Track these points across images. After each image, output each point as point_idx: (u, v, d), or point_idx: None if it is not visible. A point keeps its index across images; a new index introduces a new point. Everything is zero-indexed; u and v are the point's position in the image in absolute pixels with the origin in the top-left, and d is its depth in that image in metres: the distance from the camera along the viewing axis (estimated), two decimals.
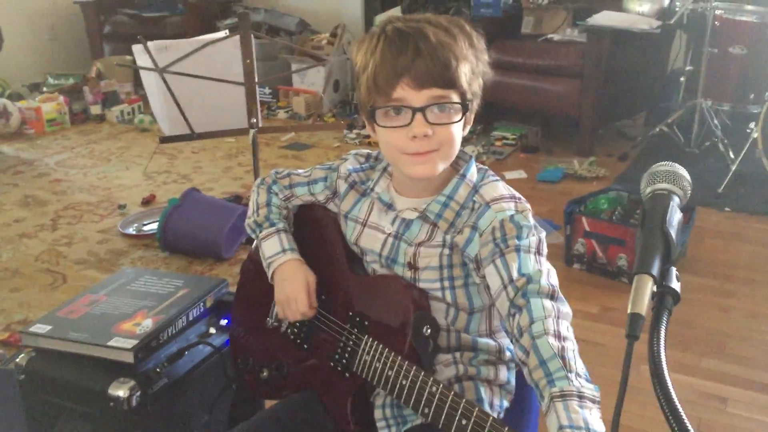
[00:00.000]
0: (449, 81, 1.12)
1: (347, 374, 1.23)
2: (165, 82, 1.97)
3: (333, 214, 1.39)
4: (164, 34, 5.64)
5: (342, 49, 4.74)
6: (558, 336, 1.00)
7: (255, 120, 2.05)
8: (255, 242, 1.42)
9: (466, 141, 4.40)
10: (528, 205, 1.21)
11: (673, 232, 0.81)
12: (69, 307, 1.59)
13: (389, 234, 1.26)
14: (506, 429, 0.98)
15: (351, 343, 1.23)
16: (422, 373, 1.10)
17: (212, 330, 1.62)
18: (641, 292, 0.77)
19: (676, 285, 0.80)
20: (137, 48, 2.11)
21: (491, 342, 1.26)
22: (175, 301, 1.61)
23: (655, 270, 0.78)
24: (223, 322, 1.65)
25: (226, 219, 2.99)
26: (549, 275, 1.10)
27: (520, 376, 1.27)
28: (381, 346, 1.17)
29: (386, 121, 1.15)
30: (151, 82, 2.14)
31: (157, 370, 1.47)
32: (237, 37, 1.94)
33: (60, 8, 5.94)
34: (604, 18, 4.12)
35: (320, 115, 4.98)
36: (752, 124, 3.52)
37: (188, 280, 1.71)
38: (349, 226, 1.33)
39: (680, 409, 0.68)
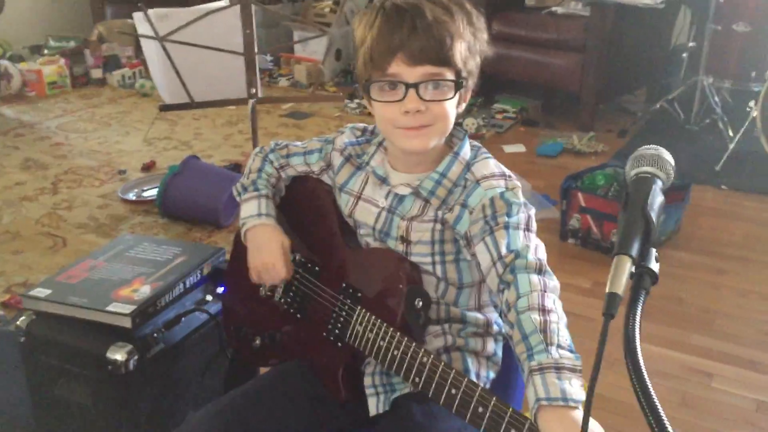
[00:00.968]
0: (443, 59, 1.13)
1: (340, 344, 1.27)
2: (165, 50, 1.98)
3: (328, 186, 1.41)
4: None
5: (344, 18, 4.71)
6: (542, 310, 1.03)
7: (255, 90, 2.07)
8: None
9: (467, 113, 4.38)
10: (518, 183, 1.23)
11: (654, 215, 0.83)
12: (69, 272, 1.62)
13: (383, 208, 1.28)
14: (494, 398, 1.01)
15: (344, 313, 1.27)
16: (414, 344, 1.13)
17: (209, 297, 1.65)
18: (620, 272, 0.79)
19: (654, 266, 0.82)
20: (138, 15, 2.11)
21: (479, 315, 1.29)
22: (173, 268, 1.64)
23: (635, 251, 0.81)
24: (220, 289, 1.68)
25: (225, 187, 3.00)
26: (537, 250, 1.13)
27: (507, 348, 1.31)
28: (374, 317, 1.20)
29: (381, 95, 1.18)
30: (151, 50, 2.15)
31: (154, 335, 1.51)
32: (237, 7, 1.95)
33: None
34: None
35: (321, 83, 4.97)
36: (752, 103, 3.52)
37: (186, 247, 1.74)
38: (343, 199, 1.35)
39: (650, 387, 0.71)
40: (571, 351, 0.99)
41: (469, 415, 1.02)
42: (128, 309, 1.47)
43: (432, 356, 1.10)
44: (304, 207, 1.45)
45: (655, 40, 4.47)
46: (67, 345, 1.50)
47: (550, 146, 3.96)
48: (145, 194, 3.38)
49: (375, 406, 1.24)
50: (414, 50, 1.12)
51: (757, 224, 3.18)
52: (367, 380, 1.27)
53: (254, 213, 1.39)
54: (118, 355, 1.43)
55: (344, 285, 1.29)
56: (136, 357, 1.44)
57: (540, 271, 1.10)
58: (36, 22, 5.76)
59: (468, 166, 1.25)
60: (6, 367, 1.87)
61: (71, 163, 3.81)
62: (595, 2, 4.06)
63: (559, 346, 0.99)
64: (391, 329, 1.17)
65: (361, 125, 1.40)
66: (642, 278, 0.81)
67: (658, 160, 0.89)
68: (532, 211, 1.20)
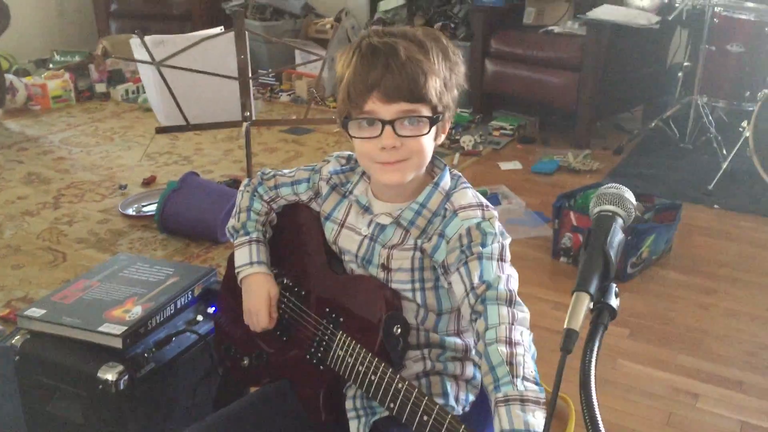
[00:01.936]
0: (418, 95, 1.18)
1: (321, 367, 1.31)
2: (161, 74, 2.03)
3: (316, 213, 1.45)
4: (170, 14, 5.69)
5: (345, 33, 4.77)
6: (509, 342, 1.07)
7: (249, 113, 2.12)
8: None
9: (464, 130, 4.40)
10: (495, 213, 1.27)
11: (612, 253, 0.88)
12: (63, 292, 1.67)
13: (365, 236, 1.33)
14: (462, 427, 1.05)
15: (326, 337, 1.31)
16: (390, 371, 1.18)
17: (200, 317, 1.70)
18: (578, 309, 0.83)
19: (614, 302, 0.86)
20: (134, 42, 2.16)
21: (458, 341, 1.33)
22: (165, 288, 1.68)
23: (593, 288, 0.84)
24: (211, 309, 1.73)
25: (223, 204, 3.05)
26: (509, 281, 1.17)
27: None
28: (354, 342, 1.25)
29: (359, 132, 1.22)
30: (147, 74, 2.19)
31: (145, 355, 1.55)
32: (232, 34, 2.00)
33: None
34: (605, 12, 4.15)
35: (322, 98, 5.02)
36: (744, 123, 3.56)
37: (178, 268, 1.79)
38: (328, 227, 1.40)
39: (600, 423, 0.74)
40: (536, 383, 1.04)
41: None
42: (119, 330, 1.51)
43: (407, 382, 1.14)
44: (294, 232, 1.49)
45: (651, 59, 4.51)
46: (60, 364, 1.54)
47: (546, 164, 4.00)
48: (144, 209, 3.43)
49: (356, 428, 1.28)
50: (388, 88, 1.16)
51: (749, 244, 3.21)
52: (349, 403, 1.31)
53: (246, 262, 1.44)
54: (108, 374, 1.47)
55: (327, 310, 1.33)
56: (126, 377, 1.49)
57: (510, 302, 1.14)
58: (41, 36, 5.84)
59: (448, 196, 1.29)
60: (3, 382, 1.91)
61: (73, 178, 3.86)
62: (591, 22, 4.11)
63: (524, 379, 1.03)
64: (369, 355, 1.21)
65: (346, 153, 1.44)
66: (601, 314, 0.85)
67: (619, 199, 0.93)
68: (507, 240, 1.24)
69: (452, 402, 1.31)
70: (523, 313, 1.15)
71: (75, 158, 4.15)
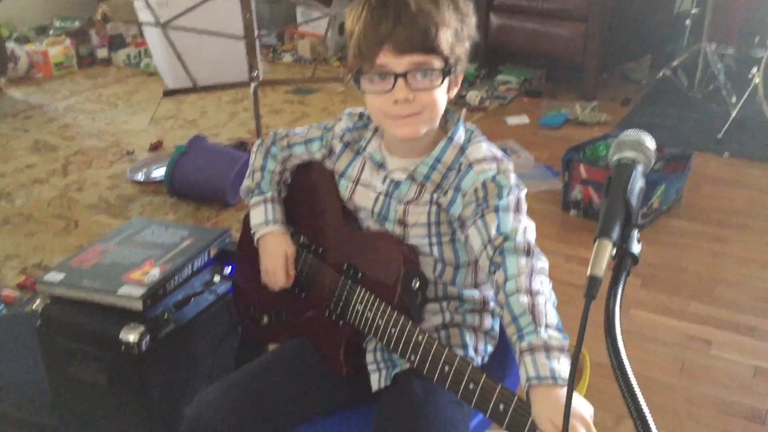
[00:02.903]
0: (429, 47, 1.17)
1: (341, 322, 1.32)
2: (167, 36, 2.01)
3: (330, 171, 1.45)
4: None
5: None
6: (529, 292, 1.08)
7: (256, 73, 2.10)
8: None
9: (470, 85, 4.37)
10: (510, 165, 1.27)
11: (633, 200, 0.87)
12: (81, 256, 1.68)
13: (380, 192, 1.33)
14: (483, 376, 1.07)
15: (345, 293, 1.32)
16: (410, 323, 1.19)
17: (216, 278, 1.71)
18: (601, 256, 0.83)
19: (635, 248, 0.86)
20: (138, 3, 2.14)
21: (476, 293, 1.34)
22: (181, 250, 1.69)
23: (615, 235, 0.84)
24: (227, 270, 1.74)
25: (231, 166, 3.05)
26: (526, 232, 1.17)
27: None
28: (373, 296, 1.26)
29: (371, 86, 1.21)
30: (153, 36, 2.17)
31: (165, 316, 1.57)
32: None
33: None
34: None
35: (325, 59, 4.98)
36: (754, 69, 3.52)
37: (193, 230, 1.79)
38: (342, 185, 1.40)
39: (628, 368, 0.75)
40: (559, 330, 1.05)
41: (460, 391, 1.08)
42: (139, 292, 1.52)
43: (427, 335, 1.15)
44: (309, 191, 1.49)
45: (658, 7, 4.45)
46: (81, 327, 1.56)
47: (553, 117, 3.98)
48: (153, 175, 3.43)
49: (377, 381, 1.30)
50: (399, 40, 1.15)
51: (759, 191, 3.20)
52: (369, 357, 1.32)
53: (262, 221, 1.44)
54: (131, 336, 1.49)
55: (346, 266, 1.34)
56: (148, 337, 1.50)
57: (528, 252, 1.14)
58: (40, 2, 5.77)
59: (462, 150, 1.29)
60: (24, 347, 1.94)
61: (80, 145, 3.86)
62: None
63: (547, 327, 1.04)
64: (389, 309, 1.22)
65: (359, 110, 1.43)
66: (623, 261, 0.85)
67: (639, 146, 0.92)
68: (523, 192, 1.24)
69: (471, 353, 1.33)
70: (542, 263, 1.15)
71: (80, 125, 4.14)
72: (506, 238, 1.16)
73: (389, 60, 1.18)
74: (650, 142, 0.94)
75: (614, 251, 0.85)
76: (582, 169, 2.92)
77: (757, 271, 2.61)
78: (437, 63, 1.20)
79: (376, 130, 1.37)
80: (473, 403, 1.08)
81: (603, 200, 0.89)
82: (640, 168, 0.91)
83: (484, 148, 1.29)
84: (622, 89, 4.36)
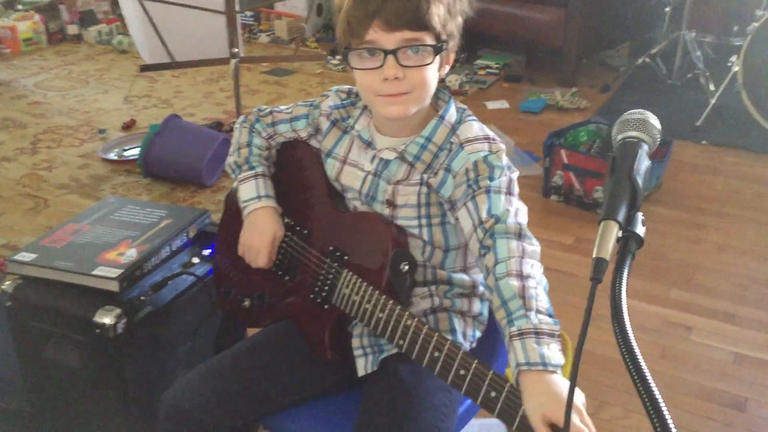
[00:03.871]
0: (421, 23, 1.13)
1: (326, 306, 1.28)
2: (144, 9, 1.94)
3: (316, 150, 1.40)
4: None
5: None
6: (520, 275, 1.05)
7: (237, 49, 2.04)
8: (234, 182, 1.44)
9: (449, 70, 4.33)
10: (502, 146, 1.23)
11: (640, 180, 0.84)
12: (52, 236, 1.61)
13: (368, 172, 1.28)
14: (475, 362, 1.04)
15: (331, 276, 1.28)
16: (398, 307, 1.15)
17: (195, 260, 1.65)
18: (607, 238, 0.80)
19: (640, 230, 0.84)
20: None
21: (466, 277, 1.31)
22: (159, 231, 1.63)
23: (621, 216, 0.82)
24: (206, 252, 1.69)
25: (208, 146, 2.99)
26: (517, 214, 1.14)
27: None
28: (359, 280, 1.22)
29: (360, 63, 1.17)
30: (129, 9, 2.09)
31: (142, 298, 1.51)
32: None
33: None
34: None
35: (303, 39, 4.90)
36: (733, 57, 3.52)
37: (171, 210, 1.74)
38: (329, 164, 1.35)
39: (636, 350, 0.72)
40: (550, 315, 1.02)
41: (450, 377, 1.05)
42: (115, 273, 1.47)
43: (416, 319, 1.12)
44: (294, 171, 1.44)
45: None
46: (54, 309, 1.50)
47: (533, 102, 3.96)
48: (126, 154, 3.35)
49: (363, 366, 1.26)
50: (390, 15, 1.11)
51: (737, 179, 3.22)
52: (355, 341, 1.28)
53: (254, 195, 1.38)
54: (106, 318, 1.44)
55: (331, 248, 1.29)
56: (124, 320, 1.45)
57: (519, 235, 1.11)
58: None
59: (453, 130, 1.25)
60: None
61: (50, 123, 3.75)
62: None
63: (537, 311, 1.01)
64: (377, 292, 1.18)
65: (346, 87, 1.39)
66: (628, 243, 0.82)
67: (644, 125, 0.90)
68: (515, 174, 1.21)
69: (460, 338, 1.30)
70: (533, 246, 1.12)
71: (50, 102, 4.03)
72: (497, 220, 1.13)
73: (379, 36, 1.13)
74: (655, 121, 0.91)
75: (619, 233, 0.82)
76: (563, 154, 2.90)
77: (736, 258, 2.62)
78: (429, 39, 1.16)
79: (364, 108, 1.33)
80: (464, 389, 1.05)
81: (607, 180, 0.86)
82: (645, 147, 0.89)
83: (475, 127, 1.25)
84: (602, 76, 4.35)
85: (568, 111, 3.88)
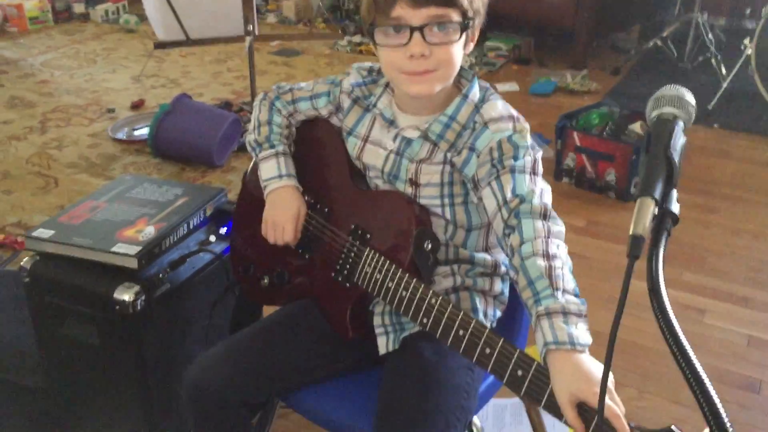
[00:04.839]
0: None
1: (348, 284, 1.27)
2: None
3: (337, 128, 1.39)
4: None
5: None
6: (546, 255, 1.04)
7: (251, 27, 2.02)
8: (254, 159, 1.44)
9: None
10: (527, 125, 1.23)
11: (676, 157, 0.84)
12: (70, 213, 1.61)
13: (391, 150, 1.28)
14: (501, 340, 1.03)
15: (353, 254, 1.27)
16: (422, 286, 1.14)
17: (212, 238, 1.65)
18: (643, 215, 0.80)
19: (675, 207, 0.83)
20: None
21: (488, 257, 1.30)
22: (176, 209, 1.63)
23: (658, 193, 0.81)
24: (223, 230, 1.68)
25: (218, 126, 2.98)
26: (542, 195, 1.13)
27: (513, 288, 1.32)
28: (383, 258, 1.21)
29: (385, 40, 1.16)
30: None
31: (160, 275, 1.51)
32: None
33: None
34: None
35: (311, 20, 4.87)
36: (746, 40, 3.50)
37: (188, 188, 1.73)
38: (350, 142, 1.34)
39: (676, 326, 0.72)
40: (576, 296, 1.01)
41: (476, 355, 1.04)
42: (134, 250, 1.46)
43: (441, 297, 1.11)
44: (314, 149, 1.43)
45: None
46: (73, 286, 1.49)
47: (543, 85, 3.94)
48: (135, 133, 3.34)
49: (384, 345, 1.26)
50: None
51: (749, 163, 3.21)
52: (377, 320, 1.28)
53: (275, 174, 1.37)
54: (125, 295, 1.43)
55: (353, 227, 1.29)
56: (143, 297, 1.45)
57: (545, 216, 1.10)
58: None
59: (477, 108, 1.24)
60: (6, 307, 1.87)
61: (58, 102, 3.74)
62: None
63: (564, 291, 1.00)
64: (400, 271, 1.17)
65: (367, 64, 1.37)
66: (663, 220, 0.82)
67: (680, 101, 0.88)
68: (539, 154, 1.20)
69: (481, 317, 1.29)
70: (558, 227, 1.11)
71: (58, 81, 4.02)
72: (522, 200, 1.12)
73: (405, 12, 1.12)
74: (690, 97, 0.90)
75: (655, 210, 0.81)
76: (575, 136, 2.88)
77: (749, 241, 2.62)
78: (455, 16, 1.14)
79: (386, 85, 1.32)
80: (489, 367, 1.04)
81: (643, 157, 0.85)
82: (681, 124, 0.88)
83: (500, 106, 1.24)
84: (612, 59, 4.33)
85: (578, 94, 3.86)
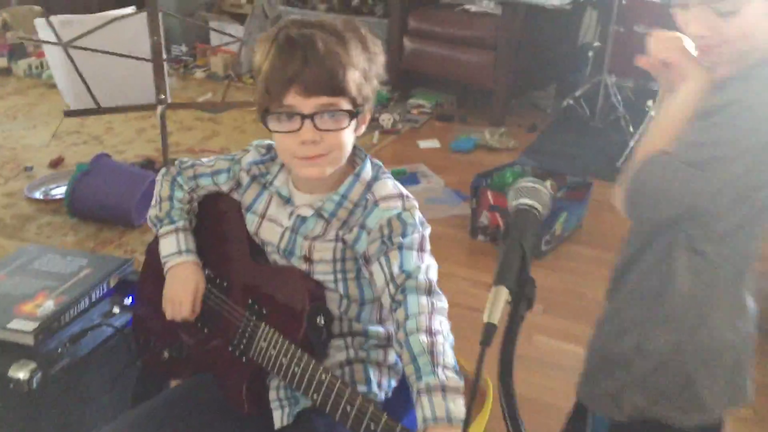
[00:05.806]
0: (337, 89, 1.17)
1: (244, 359, 1.30)
2: (69, 56, 1.94)
3: (237, 202, 1.43)
4: None
5: (262, 9, 4.69)
6: (429, 332, 1.10)
7: (163, 96, 2.05)
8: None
9: (383, 108, 4.38)
10: (415, 203, 1.28)
11: (527, 247, 0.90)
12: None
13: (286, 227, 1.32)
14: (384, 416, 1.07)
15: (249, 329, 1.30)
16: (313, 362, 1.18)
17: (116, 309, 1.65)
18: (497, 303, 0.85)
19: (531, 292, 0.89)
20: (39, 22, 2.05)
21: (381, 329, 1.35)
22: (79, 281, 1.63)
23: (512, 281, 0.87)
24: (127, 301, 1.68)
25: (137, 187, 2.97)
26: (428, 271, 1.19)
27: None
28: (277, 333, 1.24)
29: (278, 126, 1.21)
30: (54, 56, 2.08)
31: (59, 350, 1.50)
32: (144, 14, 1.92)
33: None
34: None
35: (238, 75, 4.92)
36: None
37: (92, 259, 1.73)
38: (249, 219, 1.38)
39: (518, 415, 0.77)
40: (455, 372, 1.07)
41: (362, 430, 1.08)
42: (31, 326, 1.46)
43: (330, 374, 1.15)
44: (216, 223, 1.46)
45: (563, 39, 4.63)
46: None
47: (463, 142, 4.06)
48: (52, 193, 3.29)
49: (280, 418, 1.28)
50: (307, 82, 1.15)
51: None
52: (272, 394, 1.30)
53: (175, 251, 1.40)
54: (20, 373, 1.42)
55: (250, 301, 1.32)
56: (39, 375, 1.44)
57: (429, 292, 1.16)
58: None
59: (368, 187, 1.29)
60: None
61: None
62: (506, 2, 4.17)
63: (444, 367, 1.06)
64: (293, 346, 1.21)
65: (266, 142, 1.42)
66: (518, 307, 0.88)
67: (536, 193, 0.95)
68: (427, 231, 1.26)
69: (375, 389, 1.33)
70: (442, 303, 1.17)
71: None
72: (408, 276, 1.17)
73: (297, 101, 1.18)
74: (546, 189, 0.97)
75: (509, 297, 0.87)
76: (489, 195, 2.98)
77: None
78: (345, 104, 1.20)
79: (283, 164, 1.36)
80: None
81: (501, 246, 0.92)
82: (537, 214, 0.94)
83: (390, 185, 1.30)
84: (530, 116, 4.50)
85: (497, 150, 3.99)
